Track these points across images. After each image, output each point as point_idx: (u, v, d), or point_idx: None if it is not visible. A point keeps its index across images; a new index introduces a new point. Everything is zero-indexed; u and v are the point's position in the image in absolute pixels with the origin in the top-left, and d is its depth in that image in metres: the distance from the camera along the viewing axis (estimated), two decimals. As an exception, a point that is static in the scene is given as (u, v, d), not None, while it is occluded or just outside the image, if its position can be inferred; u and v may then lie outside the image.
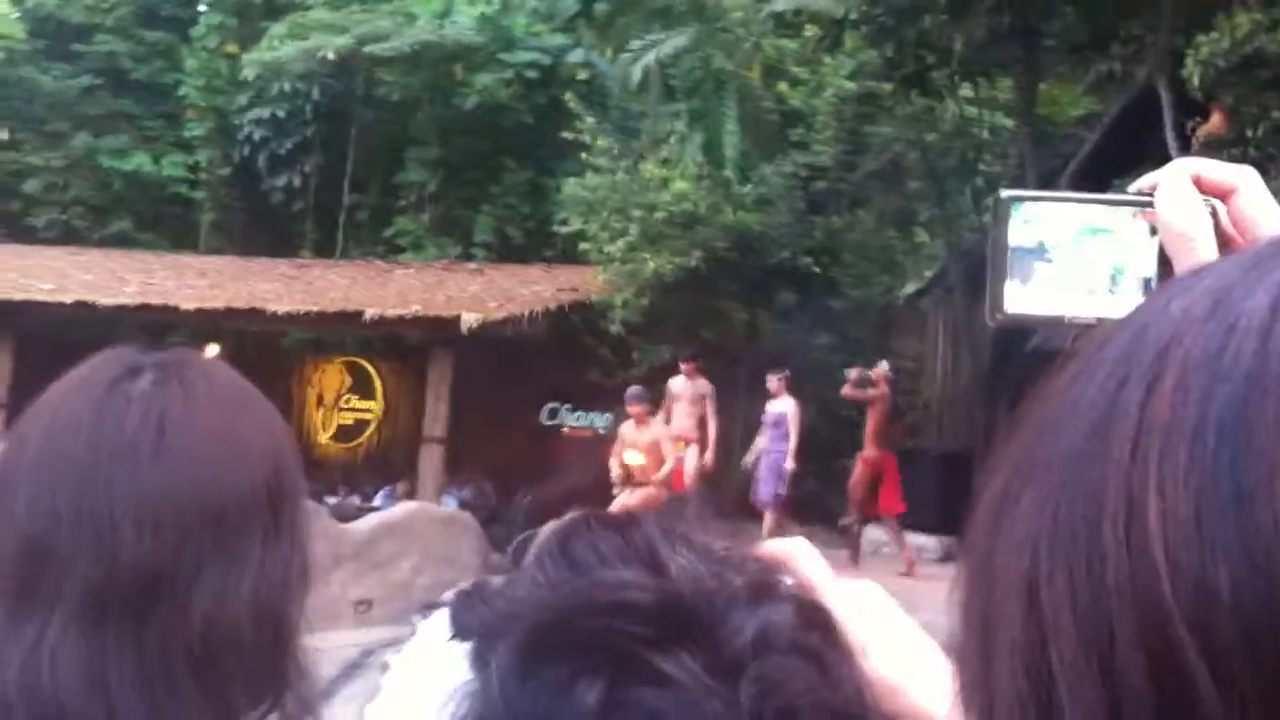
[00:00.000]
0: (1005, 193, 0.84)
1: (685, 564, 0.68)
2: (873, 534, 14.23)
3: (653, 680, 0.63)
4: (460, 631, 0.71)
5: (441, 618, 0.73)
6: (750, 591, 0.68)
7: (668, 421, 13.13)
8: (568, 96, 19.21)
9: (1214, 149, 12.94)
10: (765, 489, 13.56)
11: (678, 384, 13.27)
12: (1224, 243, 0.75)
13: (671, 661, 0.63)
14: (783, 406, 13.69)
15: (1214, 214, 0.76)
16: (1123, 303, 0.78)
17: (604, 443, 16.91)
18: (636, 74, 18.90)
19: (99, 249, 22.13)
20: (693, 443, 12.80)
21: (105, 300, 18.27)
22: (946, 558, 12.15)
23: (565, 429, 19.37)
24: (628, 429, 12.84)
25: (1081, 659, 0.40)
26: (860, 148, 18.53)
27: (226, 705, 1.09)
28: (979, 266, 15.80)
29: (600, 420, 18.41)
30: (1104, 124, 15.89)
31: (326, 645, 9.36)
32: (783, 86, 19.32)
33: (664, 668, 0.63)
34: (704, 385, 13.29)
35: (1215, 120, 13.18)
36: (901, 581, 11.20)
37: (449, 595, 0.75)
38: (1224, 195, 0.77)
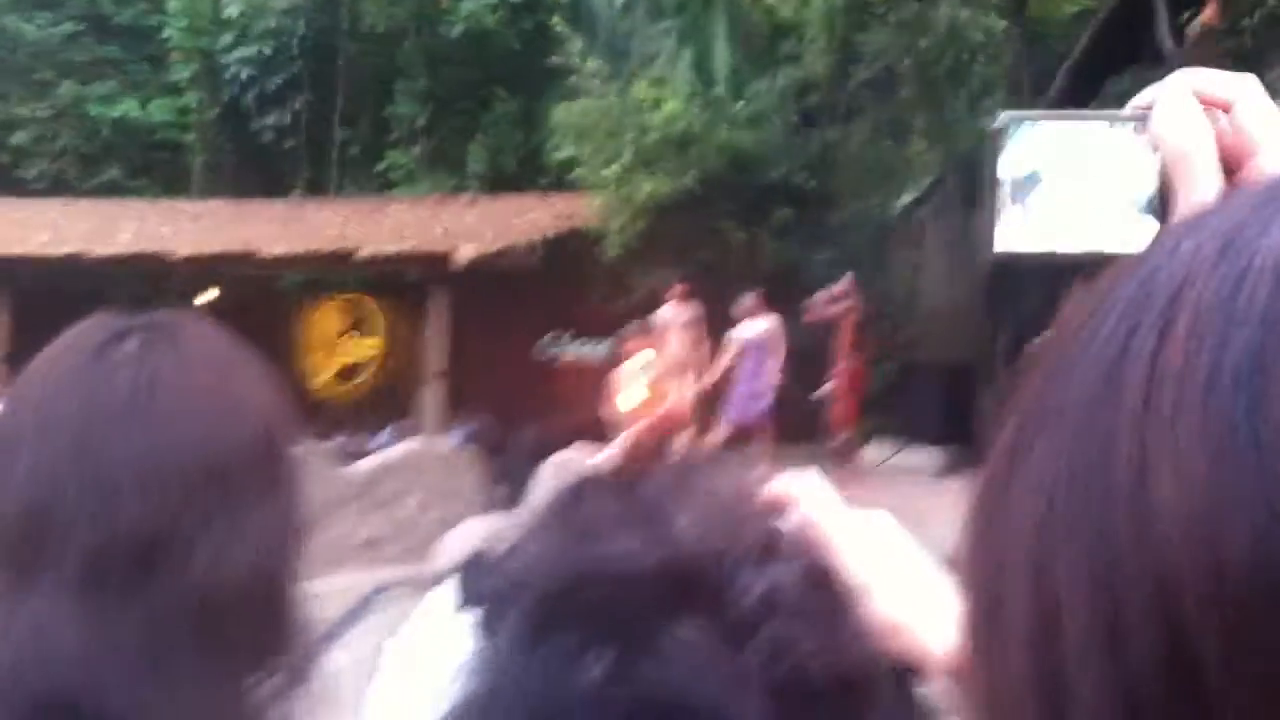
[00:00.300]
0: (1004, 115, 0.79)
1: (691, 524, 0.68)
2: (874, 448, 14.24)
3: (662, 648, 0.63)
4: (468, 600, 0.71)
5: (449, 587, 0.75)
6: (758, 550, 0.68)
7: (662, 350, 12.99)
8: (555, 20, 18.94)
9: (1209, 41, 12.77)
10: (756, 409, 13.46)
11: (668, 312, 13.09)
12: (1225, 157, 0.72)
13: (680, 628, 0.63)
14: (764, 324, 13.54)
15: (1214, 126, 0.73)
16: (1123, 230, 0.77)
17: (605, 370, 16.92)
18: (623, -7, 18.65)
19: (91, 199, 22.01)
20: (688, 370, 12.69)
21: (100, 250, 18.25)
22: (950, 469, 12.11)
23: (566, 358, 19.35)
24: (627, 366, 12.72)
25: (1091, 609, 0.39)
26: (852, 58, 18.25)
27: (229, 665, 1.08)
28: (975, 174, 15.68)
29: (601, 348, 18.38)
30: (1097, 21, 15.65)
31: (335, 587, 9.36)
32: (772, -1, 19.04)
33: (673, 634, 0.63)
34: (694, 309, 13.15)
35: (1209, 12, 13.02)
36: (906, 495, 11.17)
37: (456, 562, 0.76)
38: (1224, 107, 0.73)
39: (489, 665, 0.66)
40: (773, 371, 13.49)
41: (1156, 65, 13.62)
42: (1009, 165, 0.78)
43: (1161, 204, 0.75)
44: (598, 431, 13.09)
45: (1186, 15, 13.28)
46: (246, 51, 23.46)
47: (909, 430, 14.53)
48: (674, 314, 13.00)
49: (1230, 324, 0.38)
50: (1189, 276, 0.40)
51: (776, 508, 0.78)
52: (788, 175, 17.29)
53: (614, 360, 13.90)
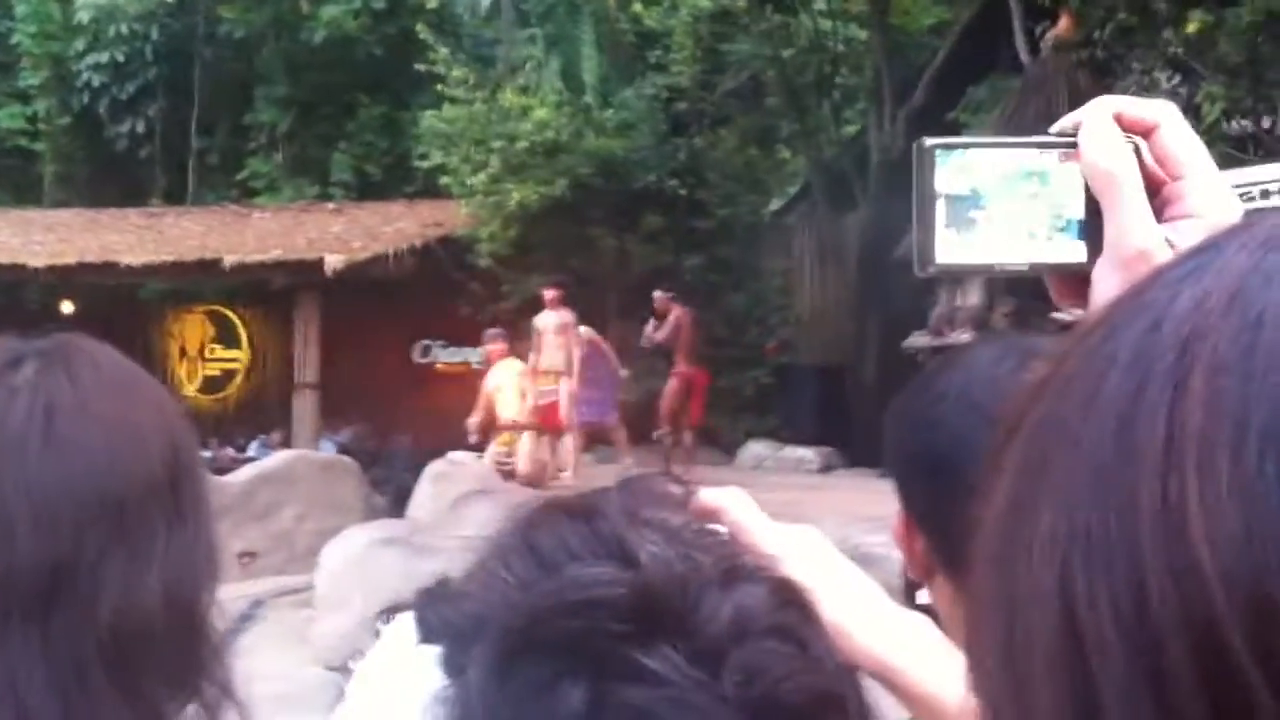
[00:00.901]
0: (928, 141, 0.80)
1: (655, 551, 0.66)
2: (755, 449, 14.42)
3: (637, 677, 0.62)
4: (428, 634, 0.69)
5: (406, 620, 0.72)
6: (722, 573, 0.67)
7: (539, 356, 12.95)
8: (419, 26, 18.79)
9: (1063, 52, 13.22)
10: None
11: (543, 318, 13.06)
12: (1147, 180, 0.75)
13: (654, 656, 0.62)
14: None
15: (1136, 151, 0.76)
16: (1054, 247, 0.79)
17: (478, 377, 16.86)
18: (487, 0, 18.59)
19: (-64, 209, 21.22)
20: (564, 375, 12.67)
21: (-51, 262, 17.59)
22: (826, 468, 12.37)
23: (439, 365, 19.23)
24: (493, 374, 12.69)
25: (1130, 678, 0.38)
26: (719, 67, 18.50)
27: (143, 698, 1.05)
28: (840, 180, 16.05)
29: (474, 355, 18.30)
30: (955, 32, 16.08)
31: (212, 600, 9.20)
32: (638, 7, 19.14)
33: (647, 663, 0.62)
34: (567, 314, 13.13)
35: (1063, 24, 13.43)
36: (789, 492, 11.37)
37: (413, 597, 0.73)
38: (1145, 132, 0.76)
39: (459, 700, 0.65)
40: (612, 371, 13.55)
41: (1014, 74, 14.07)
42: (944, 182, 0.80)
43: (1090, 224, 0.78)
44: (473, 438, 13.03)
45: (1041, 27, 13.70)
46: (99, 58, 22.81)
47: (785, 430, 14.74)
48: (547, 319, 12.95)
49: (1250, 382, 0.37)
50: (1197, 330, 0.39)
51: (705, 519, 0.79)
52: (658, 182, 17.43)
53: (485, 366, 13.82)
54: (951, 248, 0.80)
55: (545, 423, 12.58)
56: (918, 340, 12.48)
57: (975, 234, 0.80)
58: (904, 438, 1.35)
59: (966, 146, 0.81)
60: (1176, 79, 13.10)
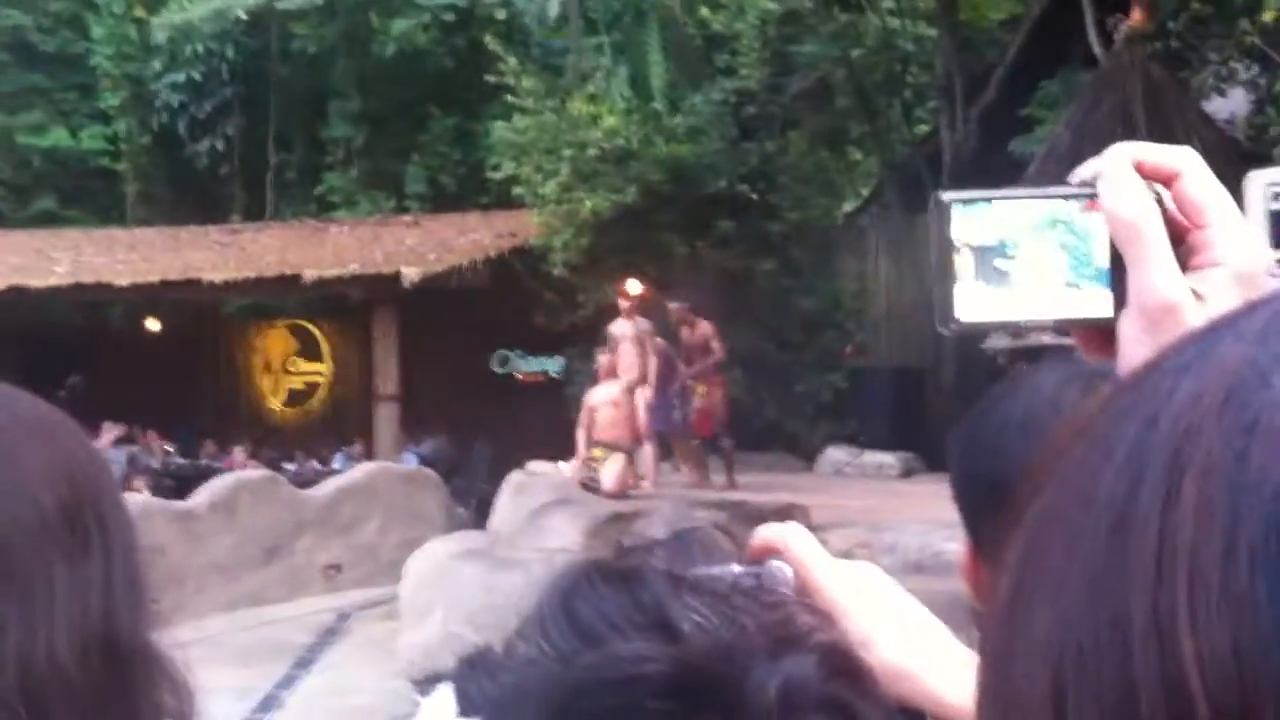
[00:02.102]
0: (945, 195, 0.79)
1: (699, 620, 0.65)
2: (834, 455, 14.37)
3: None
4: (467, 707, 0.69)
5: (445, 692, 0.71)
6: (771, 642, 0.66)
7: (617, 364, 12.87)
8: (487, 38, 18.92)
9: (1136, 44, 13.04)
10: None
11: (618, 326, 13.00)
12: (1171, 229, 0.73)
13: None
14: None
15: (1158, 199, 0.74)
16: (1080, 300, 0.77)
17: (557, 386, 16.94)
18: (554, 8, 18.68)
19: (24, 230, 21.69)
20: (641, 384, 12.64)
21: (37, 283, 18.00)
22: (906, 473, 12.30)
23: (518, 375, 19.34)
24: (595, 391, 12.57)
25: None
26: (787, 69, 18.45)
27: None
28: (913, 180, 15.94)
29: (552, 364, 18.40)
30: (1026, 26, 15.91)
31: (300, 612, 9.29)
32: (705, 11, 19.14)
33: None
34: (644, 323, 13.08)
35: (1136, 15, 13.25)
36: (872, 498, 11.34)
37: (453, 667, 0.73)
38: (1167, 180, 0.74)
39: None
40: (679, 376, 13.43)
41: (1087, 68, 13.91)
42: (963, 233, 0.78)
43: (1114, 275, 0.76)
44: (553, 446, 13.07)
45: (1114, 19, 13.54)
46: (176, 77, 23.24)
47: (863, 436, 14.65)
48: (623, 328, 12.89)
49: (1242, 493, 0.36)
50: (1191, 430, 0.38)
51: (765, 555, 0.78)
52: (729, 187, 17.39)
53: (567, 375, 13.84)
54: (974, 304, 0.78)
55: (627, 433, 12.55)
56: (997, 342, 12.37)
57: (1000, 287, 0.78)
58: (966, 466, 1.34)
59: (986, 199, 0.79)
60: (1254, 68, 12.90)
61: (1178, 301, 0.70)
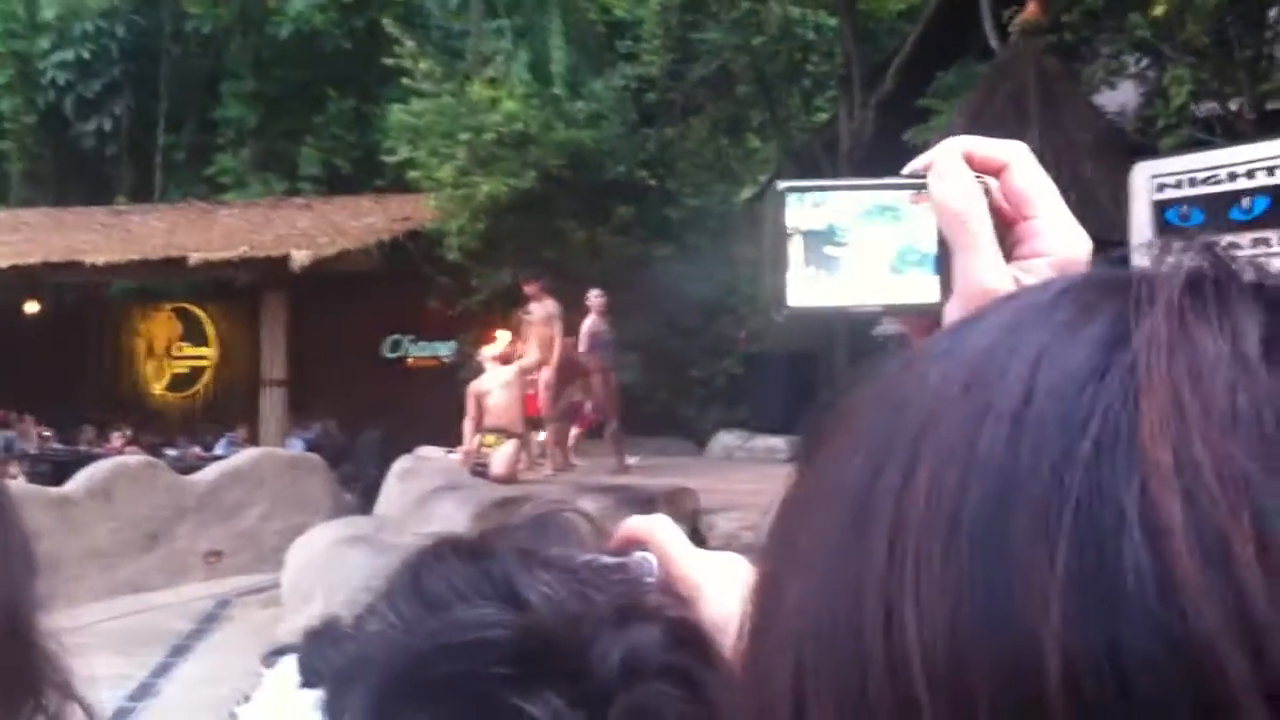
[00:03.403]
0: (780, 184, 0.79)
1: (546, 590, 0.65)
2: (725, 439, 14.40)
3: None
4: (310, 678, 0.68)
5: (289, 663, 0.70)
6: (616, 613, 0.66)
7: (524, 347, 12.71)
8: (386, 19, 18.69)
9: (1031, 36, 13.20)
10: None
11: (537, 310, 12.82)
12: (998, 219, 0.74)
13: (535, 700, 0.61)
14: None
15: (987, 191, 0.75)
16: (908, 287, 0.78)
17: (449, 371, 16.74)
18: (455, -8, 18.47)
19: (-99, 209, 21.06)
20: (544, 366, 12.52)
21: (-88, 263, 17.44)
22: (795, 457, 12.31)
23: (409, 360, 19.17)
24: (485, 377, 12.42)
25: None
26: (689, 56, 18.43)
27: None
28: (811, 167, 15.99)
29: (444, 349, 18.23)
30: (924, 17, 16.04)
31: (179, 599, 9.01)
32: (607, -3, 19.11)
33: (527, 708, 0.61)
34: (551, 305, 12.94)
35: (1030, 9, 13.42)
36: (761, 481, 11.31)
37: (298, 639, 0.71)
38: (995, 171, 0.75)
39: None
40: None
41: (983, 60, 14.04)
42: (796, 220, 0.78)
43: (942, 263, 0.76)
44: (443, 431, 12.91)
45: (1009, 12, 13.68)
46: (64, 55, 22.73)
47: (755, 420, 14.71)
48: (534, 311, 12.73)
49: (968, 472, 0.37)
50: (933, 415, 0.39)
51: (632, 546, 0.78)
52: (628, 172, 17.36)
53: (460, 360, 13.67)
54: (805, 290, 0.78)
55: (519, 417, 12.43)
56: (888, 328, 12.42)
57: (830, 273, 0.78)
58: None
59: (820, 189, 0.79)
60: (1144, 62, 13.09)
61: (998, 289, 0.71)
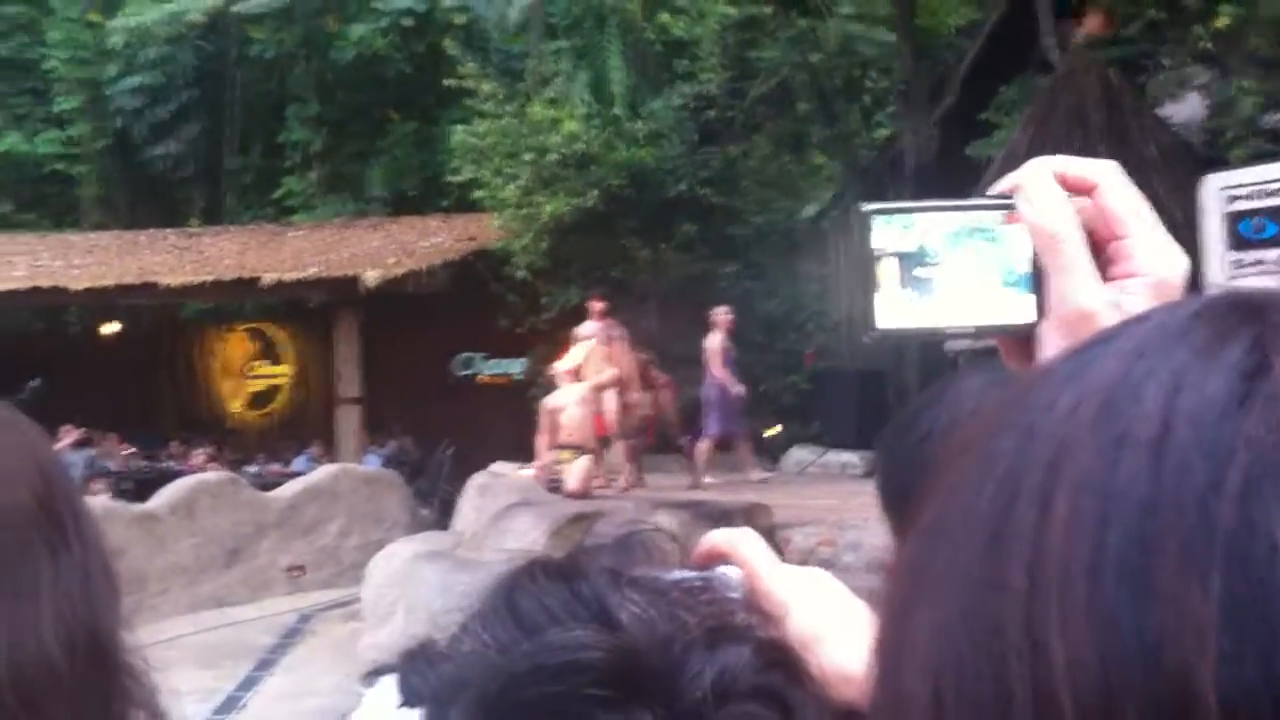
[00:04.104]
0: (864, 206, 0.79)
1: (637, 611, 0.66)
2: (798, 455, 14.40)
3: None
4: (409, 698, 0.69)
5: (388, 684, 0.71)
6: (707, 634, 0.66)
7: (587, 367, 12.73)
8: (447, 42, 18.91)
9: (1093, 49, 13.17)
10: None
11: (588, 328, 12.90)
12: (1091, 239, 0.74)
13: None
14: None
15: (1079, 210, 0.75)
16: (1001, 308, 0.77)
17: (520, 388, 16.90)
18: (515, 14, 18.68)
19: (-21, 234, 21.46)
20: (612, 387, 12.55)
21: (-8, 286, 17.81)
22: (869, 473, 12.29)
23: (480, 377, 19.30)
24: (560, 392, 12.46)
25: None
26: (747, 74, 18.50)
27: None
28: (875, 183, 16.02)
29: (514, 366, 18.37)
30: (984, 32, 16.02)
31: (262, 613, 9.19)
32: (665, 17, 19.21)
33: None
34: (614, 325, 12.99)
35: (1092, 21, 13.37)
36: (831, 499, 11.37)
37: (396, 660, 0.72)
38: (1087, 191, 0.75)
39: None
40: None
41: (1043, 73, 14.03)
42: (882, 247, 0.78)
43: (1036, 283, 0.76)
44: (515, 448, 13.02)
45: (1070, 25, 13.65)
46: (133, 81, 23.09)
47: (825, 436, 14.68)
48: (593, 330, 12.80)
49: (1109, 503, 0.37)
50: (1065, 443, 0.39)
51: (715, 560, 0.80)
52: (690, 190, 17.42)
53: (530, 377, 13.75)
54: (894, 311, 0.78)
55: (592, 433, 12.48)
56: (958, 343, 12.45)
57: (921, 294, 0.78)
58: (890, 475, 1.34)
59: (907, 210, 0.79)
60: (1209, 74, 13.04)
61: (1095, 310, 0.71)
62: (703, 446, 13.06)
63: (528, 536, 9.96)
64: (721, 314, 13.19)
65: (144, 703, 1.04)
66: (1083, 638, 0.36)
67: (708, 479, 12.64)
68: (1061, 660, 0.36)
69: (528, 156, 16.95)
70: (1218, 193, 9.16)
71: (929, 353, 12.61)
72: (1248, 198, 8.95)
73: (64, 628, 0.97)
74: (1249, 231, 8.85)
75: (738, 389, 12.98)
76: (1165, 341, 0.40)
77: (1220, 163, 10.73)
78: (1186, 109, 13.20)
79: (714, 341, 13.06)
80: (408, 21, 21.57)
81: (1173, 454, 0.37)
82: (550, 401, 12.18)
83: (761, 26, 18.22)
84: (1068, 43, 13.65)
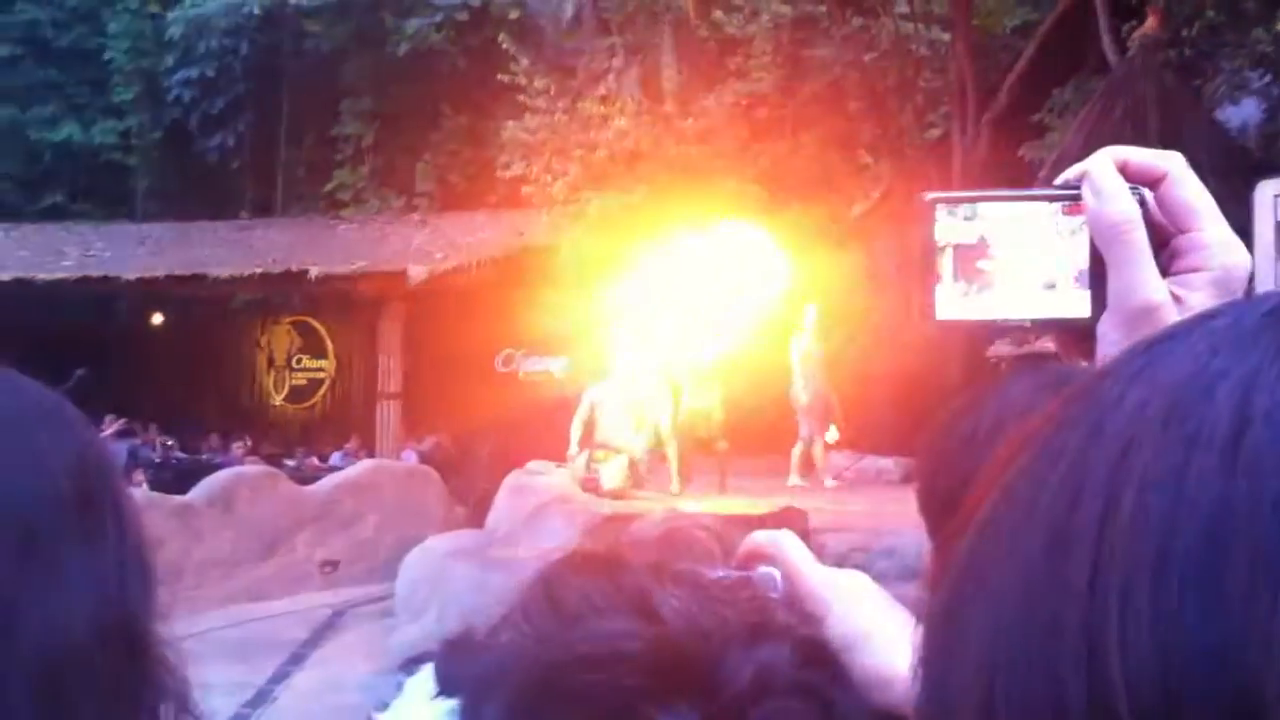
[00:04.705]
0: (929, 195, 0.79)
1: (678, 605, 0.66)
2: (834, 459, 14.29)
3: None
4: (447, 687, 0.69)
5: (427, 673, 0.71)
6: (748, 629, 0.66)
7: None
8: (501, 37, 18.91)
9: (1150, 51, 12.96)
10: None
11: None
12: (1154, 231, 0.73)
13: (670, 713, 0.61)
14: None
15: (1142, 202, 0.73)
16: (1059, 301, 0.77)
17: (561, 386, 16.85)
18: (569, 10, 18.65)
19: (33, 223, 21.74)
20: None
21: (43, 275, 18.04)
22: (906, 478, 12.21)
23: (522, 375, 19.32)
24: (593, 390, 12.40)
25: None
26: (799, 72, 18.37)
27: None
28: (923, 184, 15.83)
29: (556, 364, 18.34)
30: (1040, 33, 15.83)
31: (297, 607, 9.17)
32: (718, 14, 19.10)
33: (661, 719, 0.61)
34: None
35: (1150, 23, 13.19)
36: (866, 504, 11.26)
37: (435, 648, 0.73)
38: (1152, 182, 0.74)
39: None
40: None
41: (1100, 74, 13.82)
42: (945, 233, 0.78)
43: (1095, 276, 0.76)
44: (554, 447, 12.97)
45: (1128, 26, 13.45)
46: (189, 73, 23.33)
47: (865, 440, 14.57)
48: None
49: (1178, 505, 0.35)
50: (1133, 441, 0.37)
51: (757, 561, 0.78)
52: (739, 188, 17.32)
53: (570, 376, 13.71)
54: (953, 302, 0.78)
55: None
56: (1001, 348, 12.29)
57: (980, 286, 0.78)
58: (932, 475, 1.30)
59: (969, 200, 0.79)
60: (1267, 78, 12.82)
61: (1158, 304, 0.71)
62: (796, 451, 13.16)
63: (563, 535, 9.95)
64: (807, 318, 13.20)
65: (175, 696, 1.04)
66: (1144, 644, 0.35)
67: (795, 480, 12.67)
68: (1118, 666, 0.35)
69: (577, 152, 16.91)
70: (1270, 199, 9.01)
71: (971, 357, 12.47)
72: (1301, 204, 8.78)
73: (96, 618, 0.98)
74: (1302, 239, 8.67)
75: (816, 393, 12.97)
76: (1239, 339, 0.39)
77: (1276, 168, 10.54)
78: (1243, 112, 13.01)
79: (800, 345, 13.02)
80: (462, 16, 21.62)
81: (1246, 456, 0.36)
82: (589, 398, 12.15)
83: (815, 25, 18.07)
84: (1125, 44, 13.44)
